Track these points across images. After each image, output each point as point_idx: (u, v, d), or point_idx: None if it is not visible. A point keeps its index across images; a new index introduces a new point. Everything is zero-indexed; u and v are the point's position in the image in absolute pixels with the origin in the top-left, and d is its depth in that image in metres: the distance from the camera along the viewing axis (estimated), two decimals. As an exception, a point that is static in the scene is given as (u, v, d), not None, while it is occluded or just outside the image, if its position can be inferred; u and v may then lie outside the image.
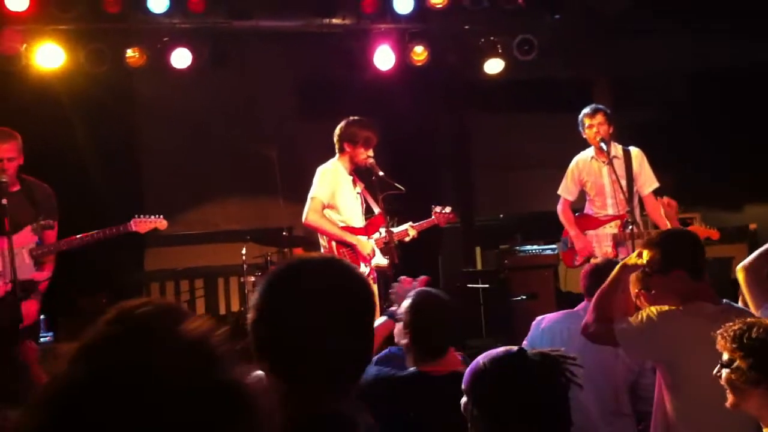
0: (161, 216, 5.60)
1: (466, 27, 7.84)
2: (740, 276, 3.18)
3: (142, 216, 5.53)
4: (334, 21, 7.65)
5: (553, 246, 7.65)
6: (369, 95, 7.56)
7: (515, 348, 2.10)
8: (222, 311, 8.74)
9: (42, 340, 5.94)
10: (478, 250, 9.10)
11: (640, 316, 3.22)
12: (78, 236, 5.25)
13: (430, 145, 9.26)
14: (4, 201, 4.84)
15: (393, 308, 3.44)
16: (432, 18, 7.63)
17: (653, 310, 3.22)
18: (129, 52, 7.01)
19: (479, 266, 8.86)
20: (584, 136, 6.09)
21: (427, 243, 6.32)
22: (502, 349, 2.12)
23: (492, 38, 7.76)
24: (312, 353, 1.50)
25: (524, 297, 7.22)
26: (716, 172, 8.94)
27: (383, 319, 3.38)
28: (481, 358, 2.12)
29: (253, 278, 7.56)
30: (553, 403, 2.00)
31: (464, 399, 2.12)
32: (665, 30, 8.45)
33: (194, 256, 8.72)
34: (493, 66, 7.76)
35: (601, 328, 3.27)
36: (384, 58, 7.56)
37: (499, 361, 2.07)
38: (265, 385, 2.67)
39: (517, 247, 7.78)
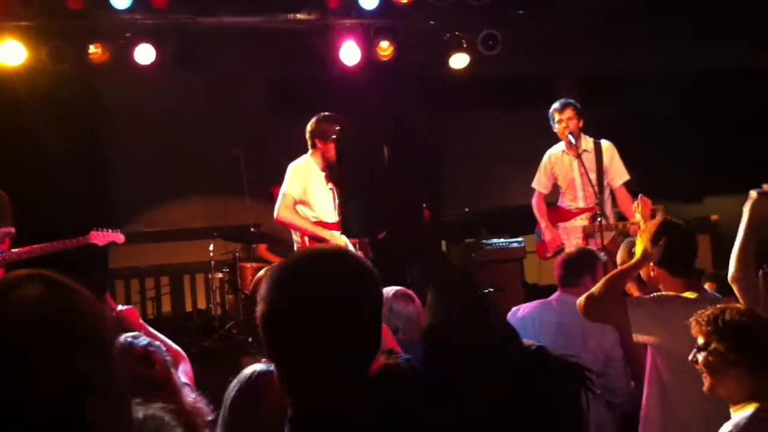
0: (119, 230, 5.67)
1: (432, 22, 7.86)
2: (735, 288, 3.24)
3: (100, 229, 5.56)
4: (299, 16, 7.62)
5: (520, 239, 7.73)
6: (336, 91, 7.54)
7: (535, 345, 2.09)
8: (188, 308, 8.68)
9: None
10: (444, 243, 9.14)
11: (655, 301, 3.28)
12: (37, 246, 5.18)
13: (398, 141, 9.27)
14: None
15: None
16: (397, 13, 7.63)
17: (668, 295, 3.30)
18: (92, 49, 6.92)
19: (447, 260, 8.89)
20: (554, 130, 6.15)
21: (394, 239, 6.34)
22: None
23: (457, 33, 7.80)
24: (322, 345, 1.49)
25: (492, 290, 7.27)
26: (676, 165, 9.09)
27: None
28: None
29: (220, 275, 7.52)
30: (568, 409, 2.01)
31: None
32: (630, 27, 8.55)
33: (159, 253, 8.66)
34: (458, 61, 7.80)
35: (612, 307, 3.29)
36: (350, 53, 7.55)
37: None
38: (262, 378, 2.67)
39: (484, 241, 7.83)
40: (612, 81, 9.15)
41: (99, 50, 6.96)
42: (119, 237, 5.71)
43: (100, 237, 5.57)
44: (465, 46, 7.75)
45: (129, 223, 8.69)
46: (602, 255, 4.40)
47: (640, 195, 4.15)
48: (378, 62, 7.71)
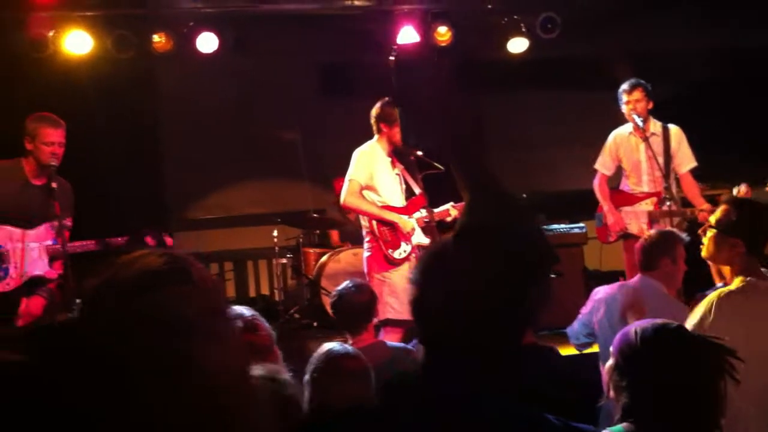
0: (170, 235, 5.68)
1: (489, 6, 7.82)
2: None
3: (151, 230, 5.58)
4: (357, 2, 7.64)
5: (581, 225, 7.67)
6: (392, 76, 7.55)
7: (674, 324, 2.09)
8: (252, 293, 8.78)
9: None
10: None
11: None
12: (99, 242, 5.22)
13: (452, 126, 9.24)
14: (54, 184, 4.87)
15: None
16: (455, -3, 7.63)
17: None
18: (155, 38, 7.01)
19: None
20: (623, 111, 6.08)
21: (449, 223, 6.31)
22: (659, 321, 2.11)
23: (515, 17, 7.75)
24: (471, 328, 1.50)
25: (552, 275, 7.23)
26: (738, 150, 8.93)
27: None
28: (635, 326, 2.11)
29: (284, 260, 7.60)
30: (705, 389, 1.99)
31: (611, 361, 2.13)
32: (686, 7, 8.43)
33: (223, 239, 8.76)
34: (517, 45, 7.76)
35: None
36: (407, 38, 7.55)
37: (652, 335, 2.05)
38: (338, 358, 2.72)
39: (543, 227, 7.77)
40: (670, 62, 9.01)
41: (162, 39, 7.05)
42: (168, 241, 5.70)
43: (151, 238, 5.57)
44: (524, 30, 7.70)
45: (190, 210, 8.84)
46: (684, 235, 4.35)
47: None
48: (434, 47, 7.70)
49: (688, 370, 2.02)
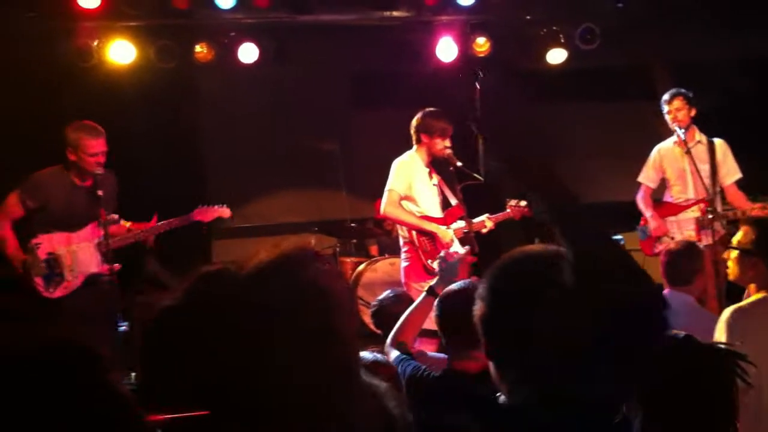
0: (224, 205, 5.64)
1: (528, 17, 7.83)
2: None
3: (205, 205, 5.57)
4: (396, 14, 7.68)
5: (619, 237, 7.61)
6: (428, 87, 7.57)
7: (682, 333, 2.07)
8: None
9: (120, 329, 6.10)
10: (536, 242, 9.06)
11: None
12: (143, 229, 5.30)
13: (487, 137, 9.24)
14: (101, 192, 4.97)
15: (433, 283, 3.35)
16: (493, 8, 7.63)
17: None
18: (197, 48, 7.11)
19: (540, 257, 8.82)
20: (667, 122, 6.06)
21: (484, 235, 6.31)
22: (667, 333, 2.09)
23: (554, 28, 7.74)
24: (543, 343, 1.49)
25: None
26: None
27: (423, 296, 3.32)
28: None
29: (321, 270, 7.62)
30: (718, 399, 1.98)
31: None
32: (726, 16, 8.34)
33: (260, 247, 8.78)
34: (556, 56, 7.75)
35: None
36: (446, 49, 7.58)
37: (662, 347, 2.04)
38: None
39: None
40: (710, 72, 8.92)
41: (204, 49, 7.15)
42: (225, 211, 5.66)
43: (205, 213, 5.57)
44: (563, 40, 7.69)
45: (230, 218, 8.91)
46: (702, 245, 4.31)
47: None
48: (472, 58, 7.71)
49: (699, 379, 2.00)
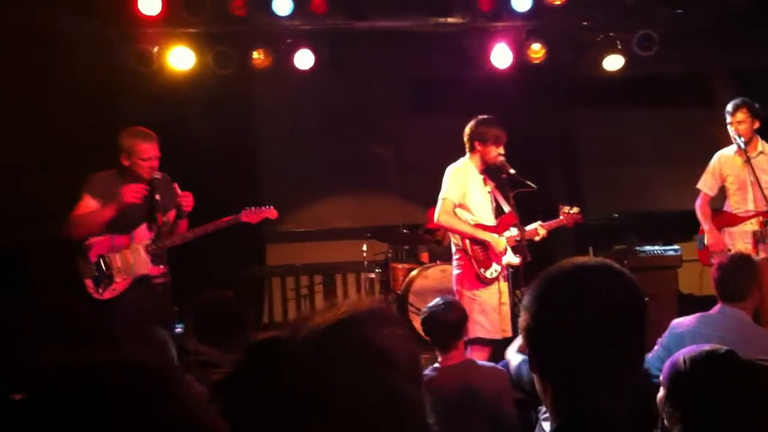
0: (271, 206, 5.66)
1: (585, 23, 7.75)
2: None
3: (252, 207, 5.59)
4: (450, 20, 7.68)
5: (675, 247, 7.49)
6: (482, 93, 7.55)
7: (723, 349, 2.04)
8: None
9: (175, 331, 6.18)
10: (590, 250, 8.98)
11: None
12: (191, 230, 5.35)
13: (541, 143, 9.20)
14: (158, 197, 5.06)
15: None
16: (549, 15, 7.57)
17: None
18: (255, 54, 7.21)
19: (593, 266, 8.72)
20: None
21: (537, 243, 6.26)
22: (706, 347, 2.07)
23: (611, 34, 7.66)
24: (585, 356, 1.50)
25: (647, 299, 7.07)
26: None
27: None
28: (682, 354, 2.07)
29: (372, 275, 7.67)
30: (760, 414, 1.95)
31: (662, 392, 2.10)
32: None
33: (314, 252, 8.91)
34: (613, 62, 7.66)
35: None
36: (501, 56, 7.55)
37: (703, 363, 2.01)
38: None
39: (637, 248, 7.62)
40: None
41: (261, 56, 7.24)
42: (272, 212, 5.63)
43: (252, 215, 5.55)
44: (620, 47, 7.60)
45: (283, 222, 9.01)
46: (758, 258, 4.21)
47: None
48: (526, 64, 7.66)
49: (742, 395, 1.96)
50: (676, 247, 7.49)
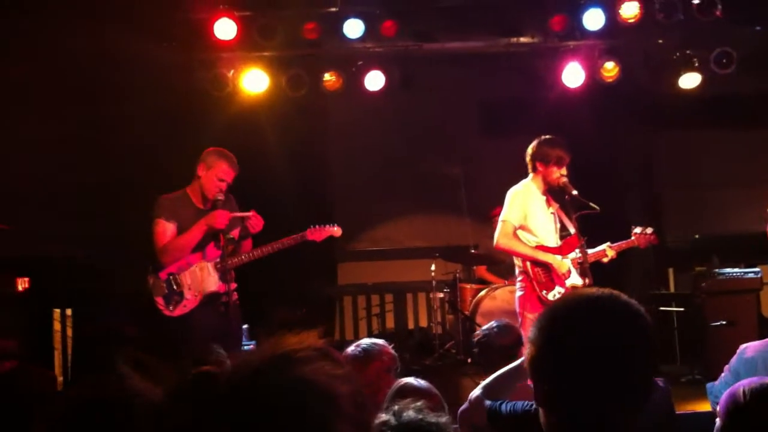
0: (335, 225, 5.72)
1: (660, 41, 7.60)
2: None
3: (317, 226, 5.66)
4: (522, 40, 7.65)
5: (756, 269, 7.24)
6: (553, 113, 7.48)
7: None
8: (410, 326, 8.90)
9: (245, 348, 6.31)
10: (671, 271, 8.77)
11: None
12: (258, 249, 5.43)
13: (616, 163, 9.04)
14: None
15: None
16: (623, 33, 7.45)
17: None
18: (326, 76, 7.34)
19: (672, 288, 8.53)
20: None
21: (615, 263, 6.15)
22: None
23: (687, 52, 7.48)
24: (589, 389, 1.46)
25: (723, 323, 6.87)
26: None
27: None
28: (742, 385, 2.00)
29: (441, 294, 7.67)
30: None
31: (718, 423, 2.03)
32: None
33: (384, 271, 8.97)
34: (689, 80, 7.47)
35: None
36: (573, 75, 7.47)
37: (765, 396, 1.94)
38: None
39: (716, 270, 7.40)
40: None
41: (333, 78, 7.37)
42: (336, 231, 5.67)
43: (317, 233, 5.60)
44: (696, 65, 7.41)
45: (354, 242, 9.12)
46: None
47: None
48: (599, 84, 7.55)
49: None
50: (757, 269, 7.25)
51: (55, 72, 6.94)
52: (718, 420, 2.04)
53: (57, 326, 6.46)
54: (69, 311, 6.53)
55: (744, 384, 2.02)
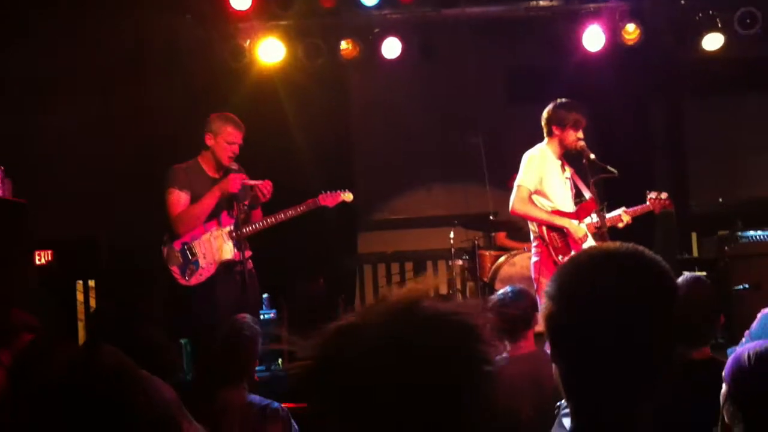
0: (347, 190, 5.72)
1: (682, 2, 7.46)
2: None
3: (329, 192, 5.66)
4: (542, 3, 7.55)
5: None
6: (577, 79, 7.37)
7: None
8: (431, 294, 8.90)
9: (265, 317, 6.34)
10: (694, 236, 8.67)
11: None
12: (271, 216, 5.44)
13: (641, 128, 8.92)
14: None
15: None
16: (645, -7, 7.33)
17: None
18: (343, 45, 7.30)
19: (695, 253, 8.44)
20: None
21: (638, 228, 6.08)
22: None
23: (710, 12, 7.33)
24: (609, 349, 1.40)
25: (746, 286, 6.79)
26: None
27: None
28: (748, 349, 1.94)
29: (460, 262, 7.66)
30: None
31: (724, 388, 1.99)
32: None
33: (403, 240, 8.99)
34: (712, 42, 7.33)
35: None
36: (594, 38, 7.36)
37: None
38: None
39: (739, 233, 7.30)
40: None
41: (350, 46, 7.32)
42: (348, 195, 5.70)
43: (329, 199, 5.63)
44: (720, 25, 7.27)
45: (375, 211, 9.13)
46: None
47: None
48: (622, 47, 7.44)
49: None
50: (793, 233, 7.15)
51: (74, 54, 6.98)
52: (724, 385, 1.99)
53: (80, 297, 6.55)
54: (92, 282, 6.61)
55: (749, 348, 1.97)
